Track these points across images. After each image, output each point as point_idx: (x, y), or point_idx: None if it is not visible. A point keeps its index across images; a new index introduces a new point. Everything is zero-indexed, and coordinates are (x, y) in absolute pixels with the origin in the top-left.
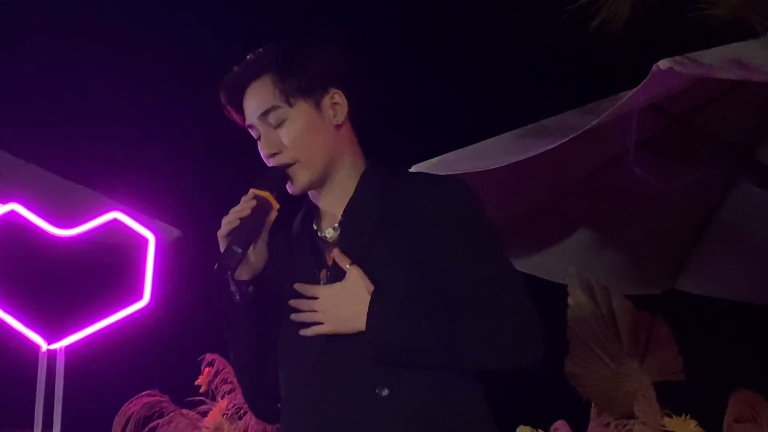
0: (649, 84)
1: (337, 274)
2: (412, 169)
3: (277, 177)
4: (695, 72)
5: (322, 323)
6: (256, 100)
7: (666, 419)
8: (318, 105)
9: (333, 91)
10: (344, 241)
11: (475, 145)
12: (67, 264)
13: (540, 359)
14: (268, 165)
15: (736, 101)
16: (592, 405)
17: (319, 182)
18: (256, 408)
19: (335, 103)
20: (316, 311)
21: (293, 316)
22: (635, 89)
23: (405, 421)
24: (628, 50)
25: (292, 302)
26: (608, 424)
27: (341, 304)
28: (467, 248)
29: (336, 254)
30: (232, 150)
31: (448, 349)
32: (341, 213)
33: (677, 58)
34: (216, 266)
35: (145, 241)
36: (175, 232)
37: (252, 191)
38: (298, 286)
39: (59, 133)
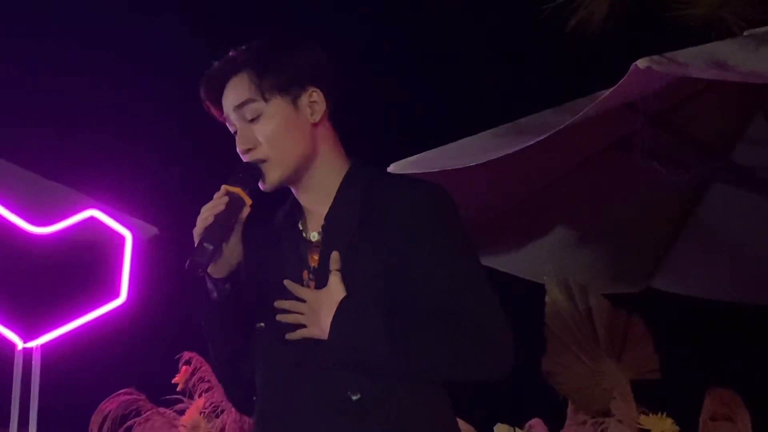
0: (627, 83)
1: (319, 276)
2: (390, 168)
3: (250, 173)
4: (673, 71)
5: (306, 326)
6: (233, 94)
7: (642, 417)
8: (295, 102)
9: (311, 89)
10: (327, 245)
11: (452, 144)
12: (43, 262)
13: (507, 373)
14: (243, 160)
15: (712, 101)
16: (569, 403)
17: (292, 180)
18: (234, 400)
19: (313, 102)
20: (302, 314)
21: (279, 317)
22: (612, 88)
23: (374, 424)
24: (606, 49)
25: (278, 303)
26: (585, 422)
27: (320, 310)
28: (440, 257)
29: (332, 258)
30: (209, 147)
31: (408, 360)
32: (325, 214)
33: (655, 57)
34: (187, 263)
35: (122, 238)
36: (152, 230)
37: (224, 187)
38: (288, 283)
39: (35, 130)
